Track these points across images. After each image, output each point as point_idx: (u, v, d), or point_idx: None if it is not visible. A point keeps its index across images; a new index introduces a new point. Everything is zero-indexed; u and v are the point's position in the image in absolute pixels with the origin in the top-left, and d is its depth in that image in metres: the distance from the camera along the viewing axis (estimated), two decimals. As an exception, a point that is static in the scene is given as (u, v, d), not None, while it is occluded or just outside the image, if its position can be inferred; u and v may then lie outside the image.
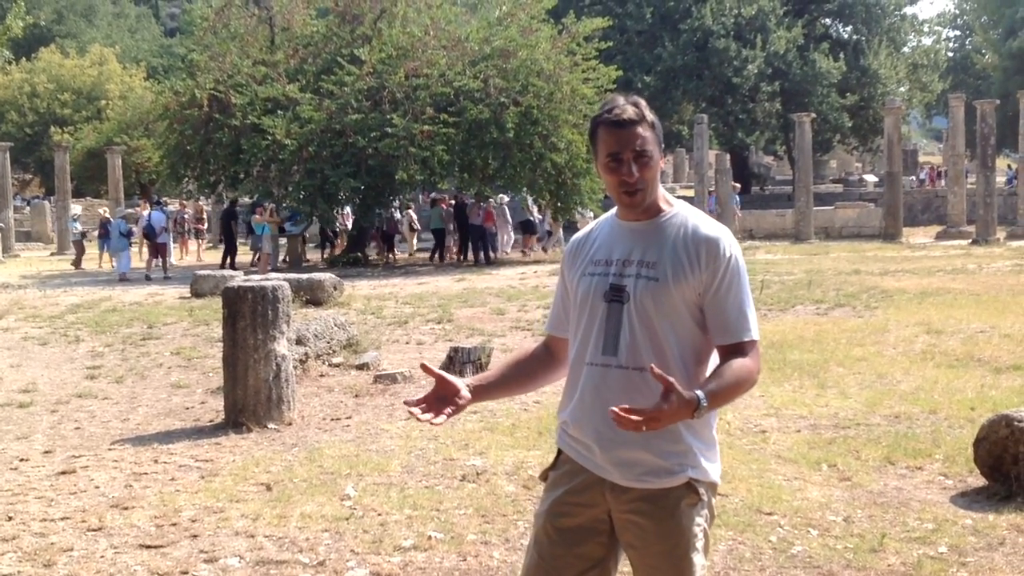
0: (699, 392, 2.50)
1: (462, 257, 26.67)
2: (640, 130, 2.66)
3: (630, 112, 2.66)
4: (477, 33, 24.17)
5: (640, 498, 2.67)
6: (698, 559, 2.67)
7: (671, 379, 2.43)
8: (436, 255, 27.16)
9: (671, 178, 50.73)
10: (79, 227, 28.06)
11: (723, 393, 2.59)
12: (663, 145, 2.76)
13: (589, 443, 2.71)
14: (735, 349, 2.64)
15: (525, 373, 2.99)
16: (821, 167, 50.38)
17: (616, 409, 2.39)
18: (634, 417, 2.39)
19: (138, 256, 24.71)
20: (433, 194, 27.89)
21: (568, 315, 2.86)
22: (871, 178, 48.85)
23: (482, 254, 25.80)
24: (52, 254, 33.36)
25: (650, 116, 2.69)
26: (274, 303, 7.79)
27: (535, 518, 2.88)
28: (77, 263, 26.76)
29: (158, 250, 23.75)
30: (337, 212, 26.87)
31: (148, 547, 5.07)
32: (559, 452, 2.85)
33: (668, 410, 2.43)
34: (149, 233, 23.89)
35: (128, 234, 23.60)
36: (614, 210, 2.82)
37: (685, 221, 2.71)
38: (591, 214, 27.74)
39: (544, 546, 2.79)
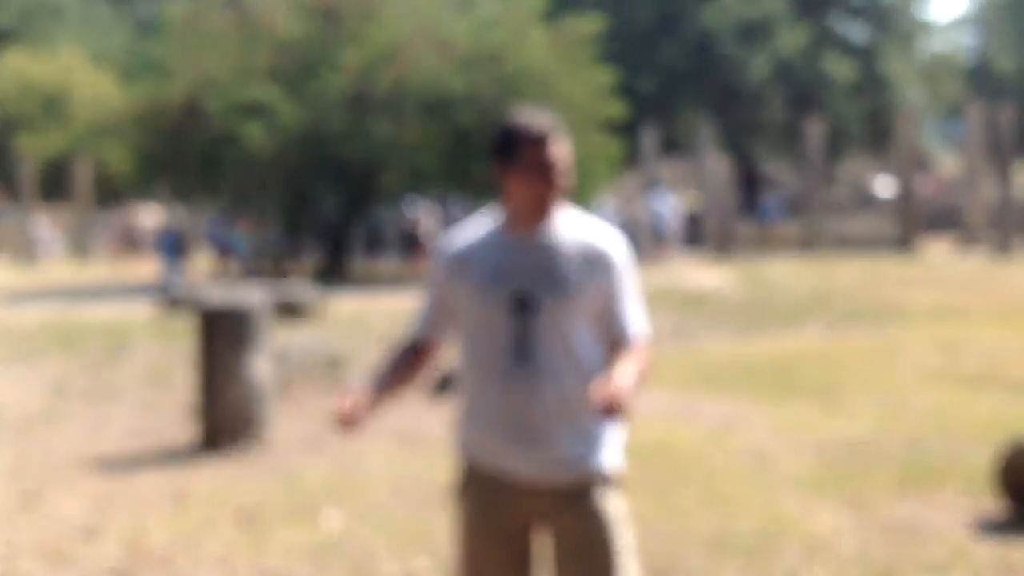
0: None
1: None
2: None
3: None
4: (467, 35, 24.22)
5: (558, 491, 2.98)
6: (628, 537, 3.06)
7: (600, 386, 2.78)
8: None
9: (672, 185, 50.79)
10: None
11: (637, 375, 2.95)
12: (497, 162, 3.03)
13: (505, 448, 2.97)
14: (632, 342, 3.02)
15: (405, 379, 3.18)
16: (831, 175, 50.49)
17: (599, 400, 2.73)
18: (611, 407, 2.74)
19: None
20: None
21: (446, 321, 3.10)
22: (884, 187, 49.01)
23: None
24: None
25: None
26: (251, 319, 7.78)
27: (463, 530, 3.11)
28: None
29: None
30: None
31: (118, 577, 5.06)
32: (468, 466, 3.07)
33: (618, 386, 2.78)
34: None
35: (178, 244, 24.64)
36: (490, 219, 3.08)
37: (579, 228, 3.04)
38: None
39: (481, 552, 3.06)
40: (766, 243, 32.39)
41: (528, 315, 2.93)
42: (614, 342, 3.01)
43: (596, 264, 2.99)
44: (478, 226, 3.11)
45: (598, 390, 2.76)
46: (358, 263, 28.40)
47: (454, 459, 3.17)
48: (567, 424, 2.96)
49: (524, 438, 2.94)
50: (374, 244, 29.94)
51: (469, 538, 3.07)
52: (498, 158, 3.03)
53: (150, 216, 35.96)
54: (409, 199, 27.60)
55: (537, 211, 2.99)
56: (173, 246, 24.33)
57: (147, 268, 30.96)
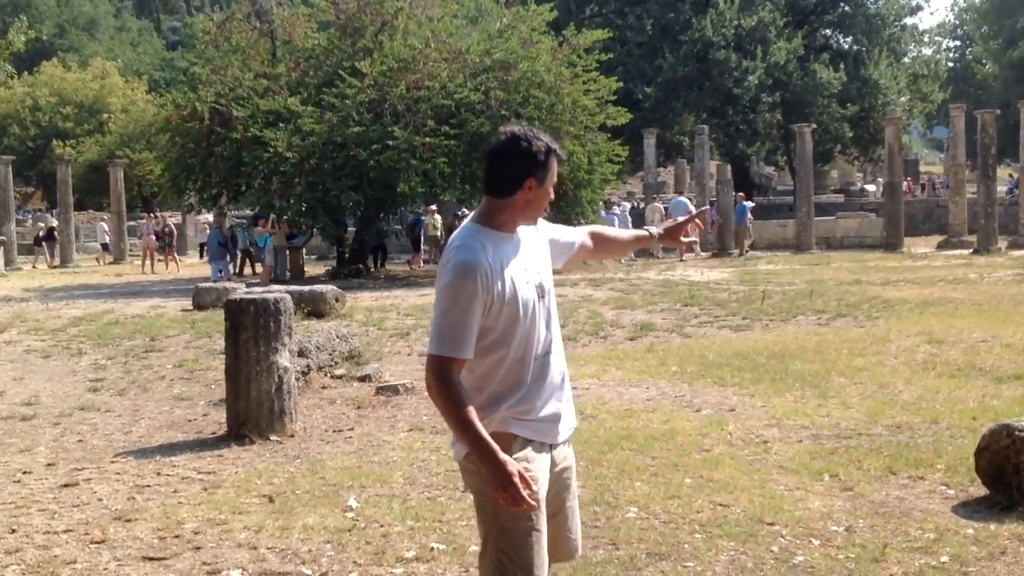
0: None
1: None
2: None
3: None
4: (478, 45, 24.18)
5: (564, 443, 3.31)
6: None
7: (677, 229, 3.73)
8: None
9: (672, 189, 50.75)
10: (240, 235, 28.70)
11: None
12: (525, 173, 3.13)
13: (554, 417, 3.20)
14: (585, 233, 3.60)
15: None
16: (822, 177, 50.40)
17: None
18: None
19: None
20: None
21: (474, 333, 3.03)
22: (872, 188, 48.89)
23: None
24: (53, 267, 33.40)
25: None
26: (276, 315, 7.80)
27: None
28: (250, 270, 28.23)
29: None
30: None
31: (151, 559, 5.08)
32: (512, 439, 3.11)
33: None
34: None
35: (225, 244, 25.52)
36: (477, 225, 3.12)
37: None
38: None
39: (540, 519, 3.14)
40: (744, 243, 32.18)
41: (545, 297, 3.19)
42: (589, 238, 3.58)
43: (542, 233, 3.32)
44: (478, 236, 3.10)
45: (679, 232, 3.70)
46: (383, 263, 28.54)
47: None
48: (568, 384, 3.32)
49: (561, 403, 3.23)
50: (412, 245, 30.24)
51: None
52: (535, 170, 3.10)
53: (182, 218, 36.26)
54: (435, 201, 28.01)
55: (539, 217, 3.27)
56: (220, 246, 24.97)
57: (178, 267, 31.14)
